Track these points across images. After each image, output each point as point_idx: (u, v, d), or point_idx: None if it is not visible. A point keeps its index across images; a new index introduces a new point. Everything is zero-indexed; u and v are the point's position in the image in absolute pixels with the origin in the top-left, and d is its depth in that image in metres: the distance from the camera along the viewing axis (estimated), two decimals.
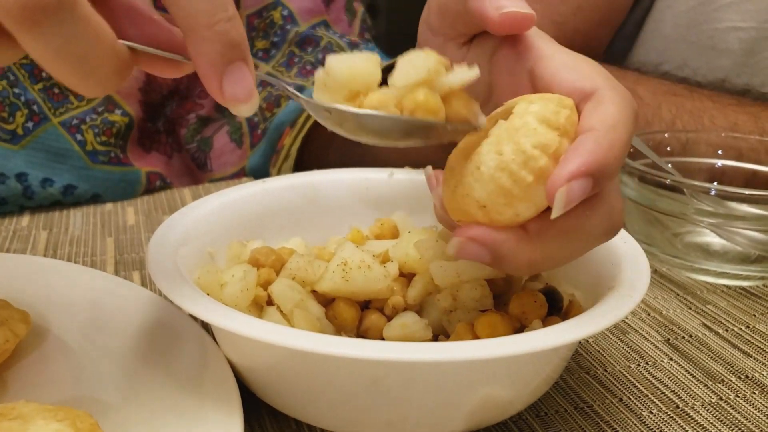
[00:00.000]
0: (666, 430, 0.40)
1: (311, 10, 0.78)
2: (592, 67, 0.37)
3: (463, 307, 0.41)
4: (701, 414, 0.42)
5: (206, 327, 0.43)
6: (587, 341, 0.49)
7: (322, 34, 0.79)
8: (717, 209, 0.56)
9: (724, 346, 0.49)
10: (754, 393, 0.44)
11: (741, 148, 0.66)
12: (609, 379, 0.45)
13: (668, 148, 0.66)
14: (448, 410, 0.36)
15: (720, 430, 0.40)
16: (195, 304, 0.35)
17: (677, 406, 0.42)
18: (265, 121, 0.77)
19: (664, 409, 0.42)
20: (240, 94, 0.32)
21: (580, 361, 0.47)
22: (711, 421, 0.41)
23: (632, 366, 0.46)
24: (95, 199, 0.73)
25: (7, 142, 0.69)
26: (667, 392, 0.44)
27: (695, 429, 0.40)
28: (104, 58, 0.30)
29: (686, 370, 0.46)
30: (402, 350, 0.32)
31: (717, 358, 0.47)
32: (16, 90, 0.69)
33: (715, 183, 0.65)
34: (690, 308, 0.53)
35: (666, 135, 0.66)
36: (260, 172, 0.78)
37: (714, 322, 0.51)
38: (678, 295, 0.55)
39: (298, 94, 0.36)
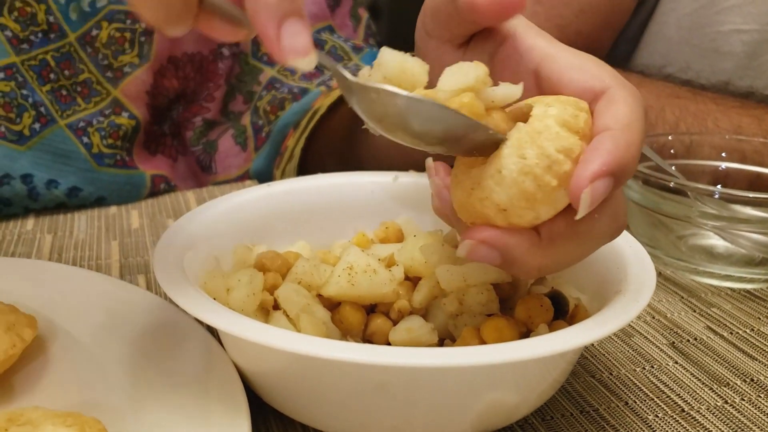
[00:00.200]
0: None
1: (316, 15, 0.78)
2: (598, 65, 0.37)
3: (469, 311, 0.41)
4: (706, 417, 0.42)
5: (212, 331, 0.43)
6: (593, 345, 0.49)
7: (326, 38, 0.79)
8: (721, 212, 0.56)
9: (729, 349, 0.49)
10: (760, 396, 0.44)
11: (745, 151, 0.66)
12: (614, 383, 0.45)
13: (672, 151, 0.66)
14: (454, 415, 0.36)
15: None
16: (201, 308, 0.35)
17: (683, 410, 0.42)
18: (269, 124, 0.78)
19: (669, 412, 0.42)
20: (298, 46, 0.32)
21: (586, 364, 0.47)
22: (716, 424, 0.41)
23: (637, 369, 0.46)
24: (100, 201, 0.73)
25: (13, 143, 0.69)
26: (672, 396, 0.44)
27: None
28: None
29: (691, 374, 0.46)
30: (408, 355, 0.32)
31: (722, 361, 0.47)
32: (24, 91, 0.69)
33: (718, 186, 0.65)
34: (694, 311, 0.53)
35: (670, 137, 0.67)
36: (264, 174, 0.78)
37: (719, 325, 0.52)
38: (682, 298, 0.55)
39: (347, 74, 0.36)
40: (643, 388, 0.44)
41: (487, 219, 0.35)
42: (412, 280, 0.44)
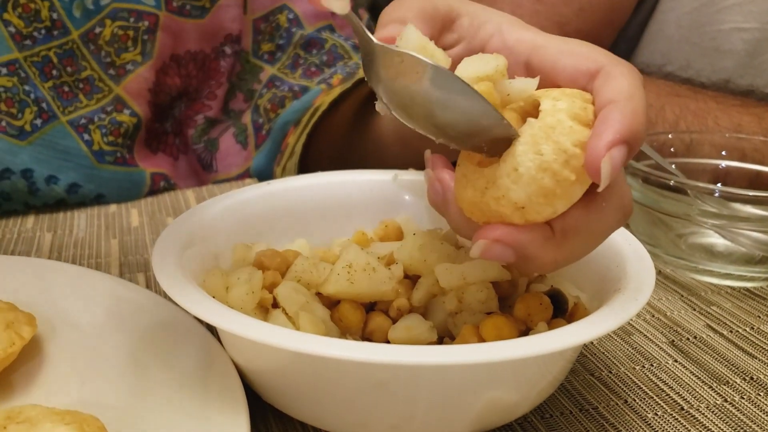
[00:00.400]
0: None
1: (317, 14, 0.78)
2: (588, 47, 0.37)
3: (468, 309, 0.41)
4: (706, 416, 0.42)
5: (211, 329, 0.43)
6: (592, 343, 0.49)
7: (327, 36, 0.79)
8: (721, 210, 0.56)
9: (729, 348, 0.49)
10: (759, 395, 0.44)
11: (745, 149, 0.66)
12: (614, 381, 0.45)
13: (672, 149, 0.66)
14: (453, 413, 0.36)
15: None
16: (201, 307, 0.35)
17: (682, 408, 0.42)
18: (269, 122, 0.78)
19: (669, 411, 0.42)
20: None
21: (585, 362, 0.47)
22: (716, 423, 0.41)
23: (637, 368, 0.46)
24: (99, 199, 0.73)
25: (14, 138, 0.69)
26: (672, 394, 0.44)
27: (700, 431, 0.41)
28: None
29: (691, 372, 0.46)
30: (407, 353, 0.32)
31: (721, 360, 0.47)
32: (26, 87, 0.69)
33: (719, 184, 0.65)
34: (694, 309, 0.53)
35: (670, 136, 0.67)
36: (264, 172, 0.78)
37: (718, 324, 0.52)
38: (682, 296, 0.55)
39: (371, 36, 0.36)
40: (642, 386, 0.44)
41: (502, 217, 0.35)
42: (411, 279, 0.44)
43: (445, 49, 0.38)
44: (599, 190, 0.33)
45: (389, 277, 0.41)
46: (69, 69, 0.71)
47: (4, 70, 0.68)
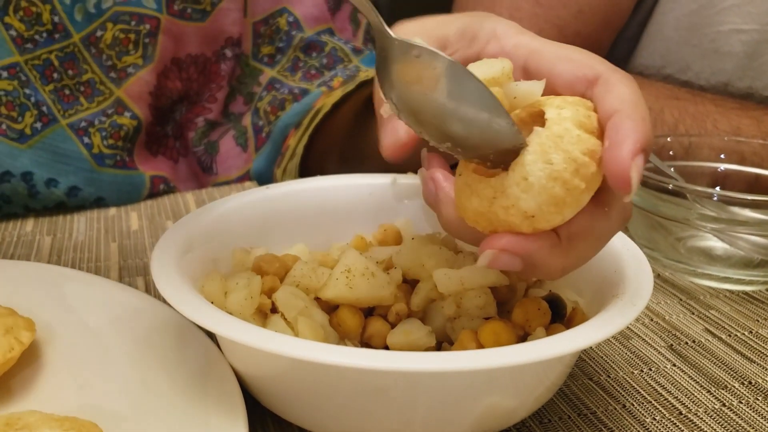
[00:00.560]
0: None
1: (317, 17, 0.79)
2: (585, 54, 0.37)
3: (466, 314, 0.41)
4: (704, 420, 0.42)
5: (210, 335, 0.43)
6: (590, 347, 0.49)
7: (327, 40, 0.79)
8: (720, 214, 0.56)
9: (727, 352, 0.49)
10: (758, 399, 0.44)
11: (744, 152, 0.66)
12: (612, 386, 0.45)
13: (671, 152, 0.66)
14: (452, 419, 0.36)
15: None
16: (199, 313, 0.35)
17: (680, 413, 0.43)
18: (269, 124, 0.78)
19: (667, 415, 0.42)
20: None
21: (584, 367, 0.47)
22: (714, 427, 0.41)
23: (635, 372, 0.46)
24: (99, 202, 0.73)
25: (14, 141, 0.69)
26: (670, 398, 0.44)
27: None
28: None
29: (689, 376, 0.46)
30: (406, 360, 0.32)
31: (720, 364, 0.47)
32: (27, 91, 0.69)
33: (717, 188, 0.65)
34: (693, 313, 0.53)
35: (669, 139, 0.67)
36: (264, 175, 0.79)
37: (717, 327, 0.52)
38: (681, 300, 0.55)
39: (387, 29, 0.36)
40: (640, 390, 0.45)
41: (510, 226, 0.35)
42: (410, 283, 0.44)
43: None
44: (627, 200, 0.34)
45: (388, 282, 0.41)
46: (70, 72, 0.71)
47: (5, 74, 0.68)
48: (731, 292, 0.57)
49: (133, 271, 0.58)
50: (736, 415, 0.42)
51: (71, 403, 0.39)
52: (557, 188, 0.33)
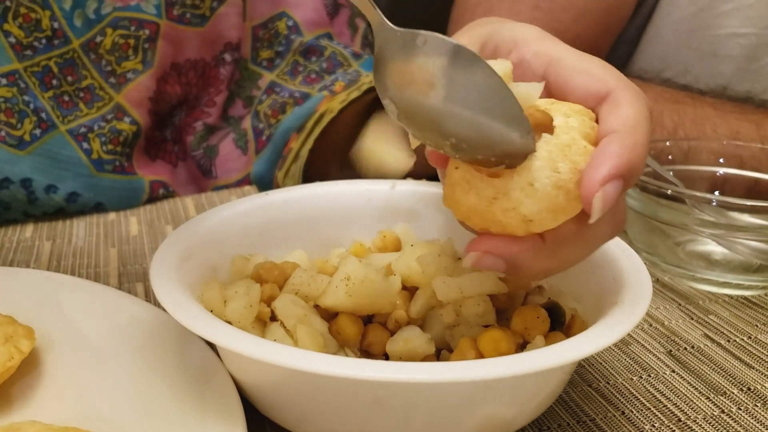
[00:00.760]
0: None
1: (316, 22, 0.79)
2: (603, 68, 0.37)
3: (465, 322, 0.41)
4: (703, 427, 0.42)
5: (210, 342, 0.43)
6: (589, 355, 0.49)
7: (326, 44, 0.79)
8: (719, 219, 0.56)
9: (726, 358, 0.49)
10: (756, 405, 0.44)
11: (743, 157, 0.66)
12: (611, 392, 0.45)
13: (670, 157, 0.66)
14: (450, 428, 0.36)
15: None
16: (199, 323, 0.35)
17: (679, 420, 0.43)
18: (270, 127, 0.78)
19: (666, 422, 0.42)
20: None
21: (583, 374, 0.47)
22: None
23: (634, 378, 0.46)
24: (98, 207, 0.73)
25: (13, 147, 0.69)
26: (669, 405, 0.44)
27: None
28: None
29: (688, 383, 0.46)
30: (405, 370, 0.32)
31: (719, 370, 0.47)
32: (26, 97, 0.69)
33: (716, 192, 0.65)
34: (692, 318, 0.54)
35: (668, 143, 0.67)
36: (265, 178, 0.79)
37: (716, 333, 0.52)
38: (680, 305, 0.55)
39: (388, 23, 0.35)
40: (640, 397, 0.45)
41: (504, 227, 0.35)
42: (409, 290, 0.44)
43: None
44: (590, 222, 0.34)
45: (387, 289, 0.41)
46: (69, 78, 0.71)
47: (4, 81, 0.68)
48: (730, 297, 0.57)
49: (133, 277, 0.58)
50: (735, 421, 0.42)
51: (71, 412, 0.39)
52: (561, 197, 0.34)
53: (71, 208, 0.72)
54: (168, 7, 0.72)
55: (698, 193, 0.57)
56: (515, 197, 0.34)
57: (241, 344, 0.34)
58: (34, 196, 0.70)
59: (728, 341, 0.51)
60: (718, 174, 0.66)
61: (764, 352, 0.49)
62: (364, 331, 0.42)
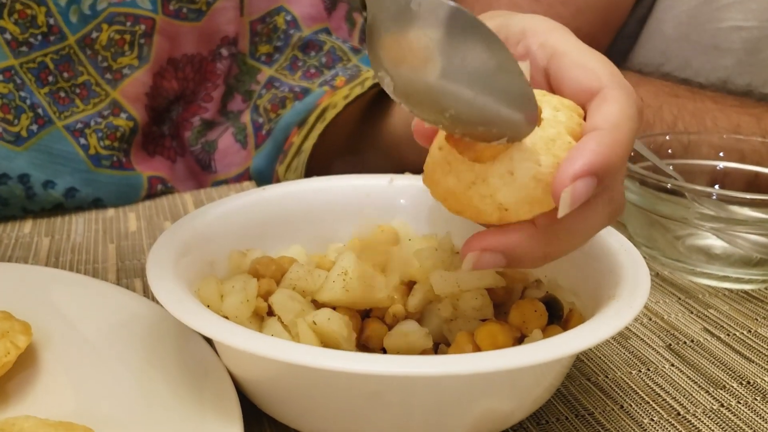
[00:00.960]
0: None
1: (314, 17, 0.79)
2: (601, 64, 0.37)
3: (463, 316, 0.41)
4: (702, 421, 0.42)
5: (207, 338, 0.43)
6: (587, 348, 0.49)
7: (324, 39, 0.79)
8: (719, 213, 0.55)
9: (726, 351, 0.49)
10: (756, 399, 0.44)
11: (743, 150, 0.66)
12: (610, 386, 0.45)
13: (670, 150, 0.66)
14: (448, 422, 0.36)
15: None
16: (195, 318, 0.35)
17: (678, 413, 0.42)
18: (269, 122, 0.78)
19: (665, 416, 0.42)
20: None
21: (581, 367, 0.47)
22: (712, 428, 0.41)
23: (633, 372, 0.46)
24: (97, 203, 0.73)
25: (10, 144, 0.69)
26: (668, 399, 0.44)
27: None
28: None
29: (687, 376, 0.46)
30: (401, 364, 0.32)
31: (719, 364, 0.47)
32: (22, 93, 0.69)
33: (716, 186, 0.65)
34: (691, 312, 0.53)
35: (667, 137, 0.66)
36: (265, 172, 0.78)
37: (716, 327, 0.51)
38: (680, 299, 0.55)
39: None
40: (639, 391, 0.44)
41: (478, 214, 0.35)
42: (407, 284, 0.44)
43: None
44: (558, 216, 0.33)
45: (384, 285, 0.41)
46: (65, 74, 0.71)
47: (0, 77, 0.68)
48: (730, 290, 0.57)
49: (131, 273, 0.58)
50: (735, 415, 0.42)
51: (67, 408, 0.39)
52: (538, 189, 0.33)
53: (69, 204, 0.72)
54: (164, 3, 0.72)
55: (698, 187, 0.57)
56: (493, 184, 0.34)
57: (238, 339, 0.33)
58: (32, 192, 0.70)
59: (728, 335, 0.50)
60: (718, 168, 0.66)
61: (764, 345, 0.49)
62: (362, 326, 0.42)
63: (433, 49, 0.32)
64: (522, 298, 0.43)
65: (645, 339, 0.50)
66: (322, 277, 0.42)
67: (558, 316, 0.41)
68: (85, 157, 0.72)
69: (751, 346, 0.49)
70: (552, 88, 0.38)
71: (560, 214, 0.33)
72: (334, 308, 0.42)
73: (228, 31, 0.76)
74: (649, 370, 0.47)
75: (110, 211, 0.72)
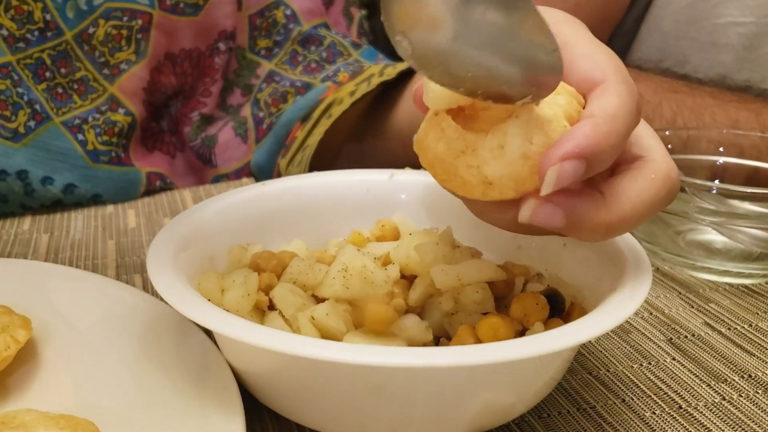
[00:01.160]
0: (669, 431, 0.40)
1: (312, 11, 0.79)
2: (608, 58, 0.37)
3: (464, 309, 0.41)
4: (704, 414, 0.42)
5: (208, 332, 0.43)
6: (589, 341, 0.49)
7: (325, 33, 0.79)
8: (719, 207, 0.55)
9: (727, 345, 0.49)
10: (758, 392, 0.44)
11: (742, 145, 0.66)
12: (612, 380, 0.45)
13: (669, 146, 0.66)
14: (450, 415, 0.36)
15: (723, 430, 0.40)
16: (196, 310, 0.35)
17: (680, 407, 0.42)
18: (270, 116, 0.77)
19: (666, 409, 0.42)
20: None
21: (583, 361, 0.46)
22: (714, 421, 0.41)
23: (635, 366, 0.46)
24: (95, 199, 0.73)
25: (8, 140, 0.69)
26: (669, 392, 0.44)
27: (698, 430, 0.40)
28: None
29: (689, 370, 0.46)
30: (403, 355, 0.32)
31: (720, 358, 0.47)
32: (20, 89, 0.69)
33: (716, 181, 0.65)
34: (692, 307, 0.53)
35: (667, 132, 0.66)
36: (265, 166, 0.78)
37: (716, 321, 0.51)
38: (680, 293, 0.55)
39: None
40: (640, 384, 0.44)
41: (463, 185, 0.35)
42: (407, 278, 0.44)
43: None
44: (541, 194, 0.33)
45: (385, 280, 0.41)
46: (63, 70, 0.71)
47: None
48: (731, 285, 0.57)
49: (131, 269, 0.58)
50: (736, 408, 0.42)
51: (68, 402, 0.38)
52: (526, 168, 0.33)
53: (68, 200, 0.72)
54: None
55: (698, 181, 0.57)
56: (482, 156, 0.34)
57: (241, 331, 0.33)
58: (31, 188, 0.70)
59: (729, 329, 0.50)
60: (717, 163, 0.66)
61: (765, 339, 0.49)
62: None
63: (451, 6, 0.31)
64: (523, 291, 0.43)
65: (646, 333, 0.50)
66: (323, 271, 0.42)
67: (560, 310, 0.41)
68: (83, 153, 0.72)
69: (752, 339, 0.49)
70: None
71: (543, 192, 0.33)
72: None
73: (225, 25, 0.76)
74: (650, 363, 0.46)
75: (109, 208, 0.72)
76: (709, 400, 0.43)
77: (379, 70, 0.75)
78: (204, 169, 0.81)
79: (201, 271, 0.43)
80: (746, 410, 0.42)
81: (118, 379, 0.40)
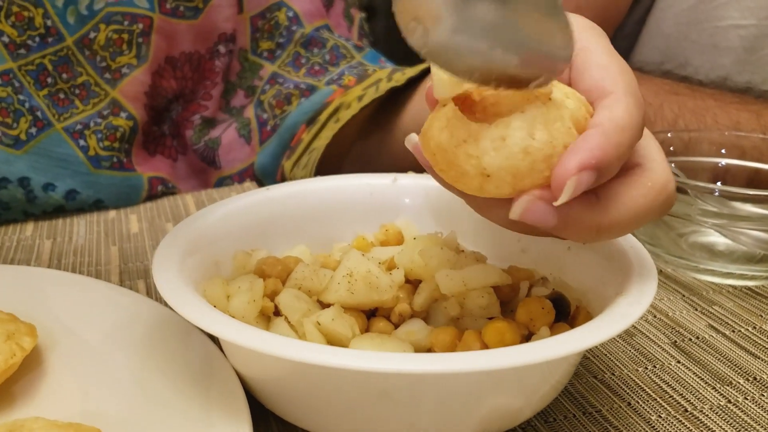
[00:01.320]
0: None
1: (313, 13, 0.79)
2: (620, 69, 0.37)
3: (470, 314, 0.41)
4: (710, 417, 0.42)
5: (213, 338, 0.43)
6: (595, 345, 0.49)
7: (327, 36, 0.79)
8: (721, 209, 0.55)
9: (732, 348, 0.49)
10: (763, 395, 0.44)
11: (744, 147, 0.66)
12: (617, 383, 0.45)
13: (671, 148, 0.66)
14: (456, 420, 0.36)
15: None
16: (203, 317, 0.35)
17: (686, 410, 0.42)
18: (274, 118, 0.77)
19: (672, 413, 0.42)
20: None
21: (588, 365, 0.47)
22: (720, 424, 0.41)
23: (640, 369, 0.46)
24: (98, 204, 0.73)
25: (10, 147, 0.69)
26: (675, 395, 0.44)
27: None
28: None
29: (694, 373, 0.46)
30: (410, 362, 0.32)
31: (724, 360, 0.47)
32: (21, 96, 0.69)
33: (718, 183, 0.65)
34: (696, 309, 0.53)
35: (669, 134, 0.66)
36: (269, 168, 0.78)
37: (720, 323, 0.51)
38: (684, 296, 0.55)
39: None
40: (645, 388, 0.44)
41: (461, 176, 0.34)
42: (412, 283, 0.44)
43: None
44: (556, 204, 0.33)
45: (390, 285, 0.41)
46: (64, 76, 0.71)
47: None
48: (734, 287, 0.57)
49: (134, 275, 0.58)
50: (742, 411, 0.42)
51: (74, 409, 0.38)
52: (524, 163, 0.33)
53: (70, 206, 0.72)
54: (161, 1, 0.72)
55: (700, 183, 0.57)
56: (483, 146, 0.33)
57: (248, 338, 0.33)
58: (33, 195, 0.70)
59: (733, 331, 0.50)
60: (719, 165, 0.66)
61: None
62: (368, 325, 0.42)
63: None
64: (528, 295, 0.43)
65: (650, 336, 0.50)
66: (327, 276, 0.42)
67: (565, 314, 0.41)
68: (84, 159, 0.72)
69: (756, 342, 0.49)
70: (570, 81, 0.38)
71: (559, 201, 0.33)
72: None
73: (225, 28, 0.76)
74: (655, 367, 0.47)
75: (111, 213, 0.72)
76: (715, 403, 0.43)
77: (387, 75, 0.75)
78: (207, 172, 0.81)
79: (207, 276, 0.43)
80: (752, 413, 0.42)
81: (123, 386, 0.40)
